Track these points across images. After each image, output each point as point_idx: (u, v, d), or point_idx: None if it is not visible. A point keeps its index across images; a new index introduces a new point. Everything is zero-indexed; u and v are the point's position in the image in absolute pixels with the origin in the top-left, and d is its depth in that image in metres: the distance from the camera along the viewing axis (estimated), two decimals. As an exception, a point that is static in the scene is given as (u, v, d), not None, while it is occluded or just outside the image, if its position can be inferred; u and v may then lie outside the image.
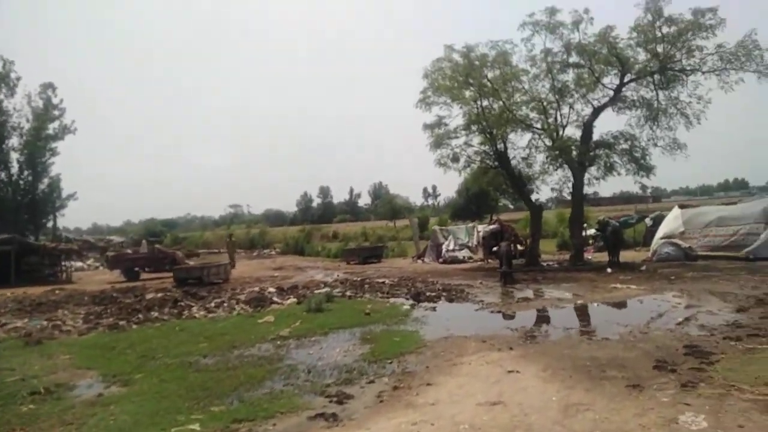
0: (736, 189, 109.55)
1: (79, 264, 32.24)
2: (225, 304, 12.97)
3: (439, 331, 8.93)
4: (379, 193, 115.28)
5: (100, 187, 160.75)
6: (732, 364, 6.14)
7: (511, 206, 38.64)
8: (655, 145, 17.45)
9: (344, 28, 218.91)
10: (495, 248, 24.32)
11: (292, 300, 13.16)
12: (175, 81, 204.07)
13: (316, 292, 14.13)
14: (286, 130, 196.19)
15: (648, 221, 23.48)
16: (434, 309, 11.37)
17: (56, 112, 39.61)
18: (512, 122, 18.27)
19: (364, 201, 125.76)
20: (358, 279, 17.00)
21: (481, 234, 23.68)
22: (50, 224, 43.46)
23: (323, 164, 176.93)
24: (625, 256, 21.17)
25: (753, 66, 15.83)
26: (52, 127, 39.61)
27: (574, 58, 17.66)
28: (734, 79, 16.23)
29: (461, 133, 19.57)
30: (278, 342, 8.73)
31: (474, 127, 19.23)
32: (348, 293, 14.19)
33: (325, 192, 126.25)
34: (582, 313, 10.31)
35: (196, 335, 9.67)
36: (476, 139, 19.87)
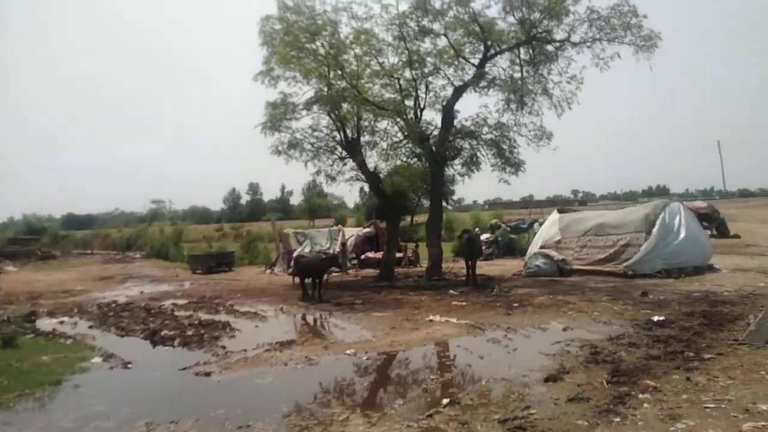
0: (658, 195, 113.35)
1: None
2: None
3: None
4: (312, 191, 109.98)
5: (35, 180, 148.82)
6: None
7: (450, 207, 33.98)
8: (519, 134, 14.13)
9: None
10: (363, 256, 21.01)
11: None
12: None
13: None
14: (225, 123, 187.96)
15: (536, 226, 20.45)
16: (127, 366, 7.26)
17: None
18: (362, 102, 14.50)
19: (298, 199, 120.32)
20: (119, 304, 12.56)
21: (350, 239, 19.99)
22: None
23: (256, 159, 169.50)
24: (511, 265, 18.33)
25: (629, 38, 12.76)
26: None
27: (428, 23, 14.00)
28: (609, 54, 13.14)
29: (301, 114, 15.62)
30: None
31: (316, 107, 15.35)
32: (68, 329, 9.96)
33: (254, 189, 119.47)
34: (312, 379, 6.43)
35: None
36: (323, 122, 16.07)
